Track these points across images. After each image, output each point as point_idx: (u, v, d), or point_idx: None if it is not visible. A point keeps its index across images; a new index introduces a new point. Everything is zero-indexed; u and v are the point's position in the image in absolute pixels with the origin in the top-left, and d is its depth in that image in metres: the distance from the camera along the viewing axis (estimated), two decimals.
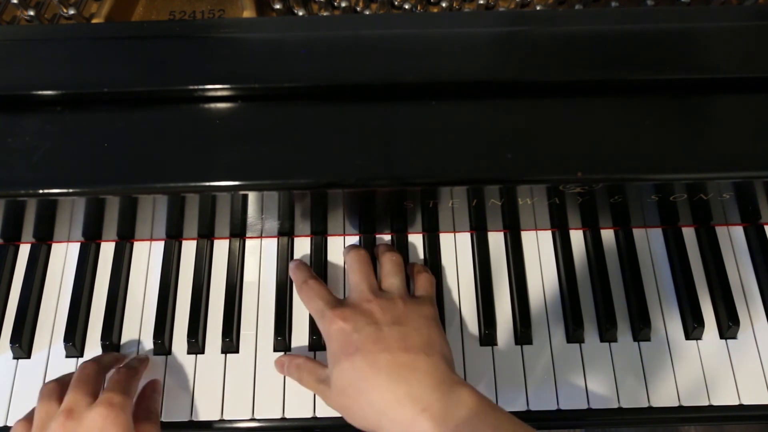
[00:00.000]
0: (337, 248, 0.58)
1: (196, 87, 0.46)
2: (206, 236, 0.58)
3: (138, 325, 0.55)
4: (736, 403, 0.52)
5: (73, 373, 0.49)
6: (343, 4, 0.57)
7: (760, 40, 0.48)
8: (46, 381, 0.48)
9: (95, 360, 0.49)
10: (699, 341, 0.54)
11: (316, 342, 0.54)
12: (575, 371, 0.53)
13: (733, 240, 0.58)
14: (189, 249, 0.58)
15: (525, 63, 0.48)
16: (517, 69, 0.47)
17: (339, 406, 0.46)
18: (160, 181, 0.44)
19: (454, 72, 0.47)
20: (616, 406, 0.52)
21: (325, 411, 0.51)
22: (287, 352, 0.54)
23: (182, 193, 0.47)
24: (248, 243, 0.58)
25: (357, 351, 0.45)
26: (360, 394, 0.44)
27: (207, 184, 0.44)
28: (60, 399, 0.46)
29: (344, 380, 0.45)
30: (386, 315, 0.47)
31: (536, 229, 0.58)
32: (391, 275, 0.52)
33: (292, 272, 0.54)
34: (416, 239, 0.58)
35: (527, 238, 0.58)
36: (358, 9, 0.58)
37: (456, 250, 0.58)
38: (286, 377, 0.52)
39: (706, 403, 0.52)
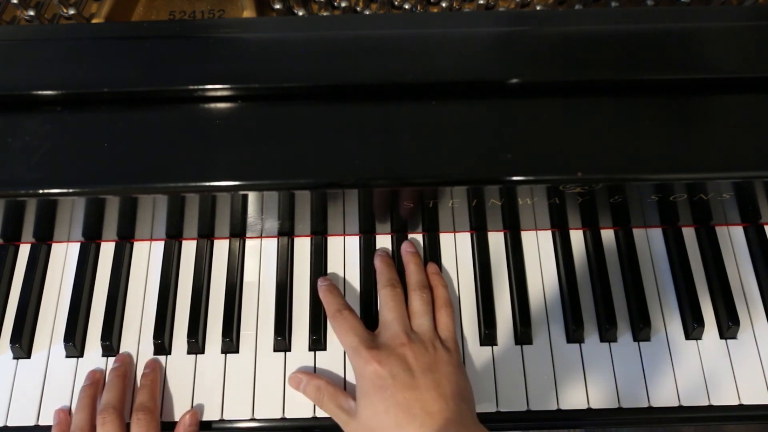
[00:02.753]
0: (337, 248, 0.58)
1: (196, 87, 0.46)
2: (206, 236, 0.58)
3: (138, 325, 0.55)
4: (736, 403, 0.52)
5: (85, 409, 0.50)
6: (343, 4, 0.57)
7: (760, 40, 0.48)
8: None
9: (112, 409, 0.49)
10: (699, 341, 0.54)
11: (316, 342, 0.54)
12: (575, 371, 0.53)
13: (733, 240, 0.58)
14: (189, 249, 0.58)
15: (525, 63, 0.48)
16: (517, 69, 0.47)
17: None
18: (160, 181, 0.44)
19: (454, 72, 0.47)
20: (616, 406, 0.52)
21: (333, 418, 0.51)
22: (301, 369, 0.53)
23: (182, 193, 0.47)
24: (248, 243, 0.58)
25: (392, 396, 0.46)
26: None
27: (207, 184, 0.44)
28: None
29: (376, 422, 0.46)
30: (419, 361, 0.48)
31: (536, 229, 0.58)
32: (420, 315, 0.52)
33: (323, 294, 0.54)
34: (416, 239, 0.58)
35: (527, 238, 0.58)
36: (358, 9, 0.58)
37: (456, 250, 0.58)
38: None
39: (706, 403, 0.52)
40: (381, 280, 0.55)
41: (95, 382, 0.52)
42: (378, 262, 0.56)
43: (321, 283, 0.55)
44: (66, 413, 0.51)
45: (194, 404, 0.52)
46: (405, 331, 0.50)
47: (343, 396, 0.50)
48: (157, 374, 0.53)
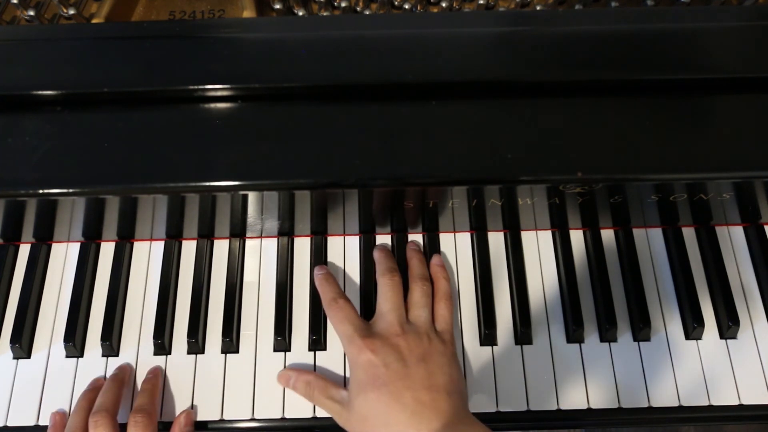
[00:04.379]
0: (337, 248, 0.58)
1: (196, 87, 0.46)
2: (206, 236, 0.58)
3: (138, 325, 0.55)
4: (736, 403, 0.52)
5: (82, 412, 0.49)
6: (343, 4, 0.57)
7: (760, 40, 0.48)
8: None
9: (104, 412, 0.48)
10: (699, 341, 0.54)
11: (316, 342, 0.54)
12: (575, 371, 0.53)
13: (733, 240, 0.58)
14: (189, 249, 0.58)
15: (525, 63, 0.48)
16: (517, 69, 0.47)
17: (356, 430, 0.48)
18: (160, 181, 0.44)
19: (454, 72, 0.47)
20: (616, 406, 0.52)
21: (325, 411, 0.51)
22: (290, 366, 0.53)
23: (182, 193, 0.47)
24: (248, 243, 0.58)
25: (384, 385, 0.46)
26: (382, 427, 0.46)
27: (207, 184, 0.44)
28: None
29: (367, 410, 0.46)
30: (413, 352, 0.48)
31: (536, 229, 0.58)
32: (419, 307, 0.52)
33: (320, 283, 0.54)
34: (416, 239, 0.58)
35: (527, 238, 0.58)
36: (358, 9, 0.58)
37: (456, 250, 0.58)
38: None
39: (706, 403, 0.52)
40: (379, 269, 0.55)
41: (96, 388, 0.51)
42: (377, 253, 0.56)
43: (318, 271, 0.55)
44: (62, 416, 0.51)
45: (194, 404, 0.52)
46: (400, 322, 0.51)
47: (334, 387, 0.50)
48: (159, 380, 0.52)
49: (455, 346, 0.52)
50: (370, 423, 0.46)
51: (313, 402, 0.51)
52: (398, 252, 0.57)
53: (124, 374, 0.52)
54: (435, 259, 0.56)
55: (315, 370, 0.53)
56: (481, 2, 0.58)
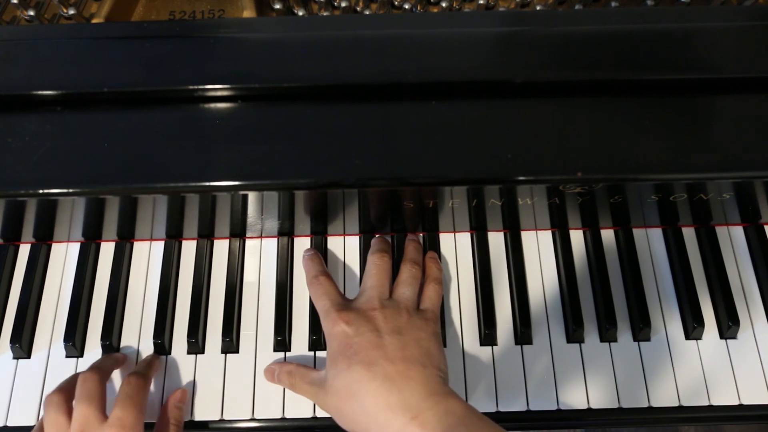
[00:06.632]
0: (337, 248, 0.58)
1: (196, 87, 0.46)
2: (206, 236, 0.58)
3: (138, 325, 0.55)
4: (736, 403, 0.52)
5: (74, 375, 0.50)
6: (343, 4, 0.57)
7: (760, 40, 0.48)
8: (49, 391, 0.48)
9: (95, 369, 0.48)
10: (699, 341, 0.54)
11: (316, 342, 0.54)
12: (575, 371, 0.53)
13: (733, 240, 0.58)
14: (189, 249, 0.58)
15: (525, 63, 0.48)
16: (517, 69, 0.47)
17: (331, 407, 0.47)
18: (160, 181, 0.44)
19: (454, 72, 0.47)
20: (616, 406, 0.52)
21: (325, 411, 0.51)
22: (276, 361, 0.53)
23: (182, 193, 0.47)
24: (248, 243, 0.58)
25: (355, 354, 0.46)
26: (353, 397, 0.45)
27: (207, 184, 0.44)
28: (67, 411, 0.46)
29: (339, 381, 0.46)
30: (388, 324, 0.48)
31: (536, 229, 0.58)
32: (404, 285, 0.52)
33: (306, 262, 0.55)
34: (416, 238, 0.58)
35: (527, 238, 0.58)
36: (358, 9, 0.58)
37: (456, 250, 0.58)
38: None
39: (706, 403, 0.52)
40: (371, 249, 0.55)
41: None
42: (374, 239, 0.57)
43: (306, 252, 0.56)
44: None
45: (194, 404, 0.52)
46: (380, 298, 0.50)
47: (314, 372, 0.50)
48: (159, 359, 0.53)
49: (438, 326, 0.51)
50: (342, 395, 0.45)
51: (295, 391, 0.51)
52: (398, 252, 0.57)
53: (123, 356, 0.53)
54: (430, 253, 0.57)
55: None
56: (481, 2, 0.58)
